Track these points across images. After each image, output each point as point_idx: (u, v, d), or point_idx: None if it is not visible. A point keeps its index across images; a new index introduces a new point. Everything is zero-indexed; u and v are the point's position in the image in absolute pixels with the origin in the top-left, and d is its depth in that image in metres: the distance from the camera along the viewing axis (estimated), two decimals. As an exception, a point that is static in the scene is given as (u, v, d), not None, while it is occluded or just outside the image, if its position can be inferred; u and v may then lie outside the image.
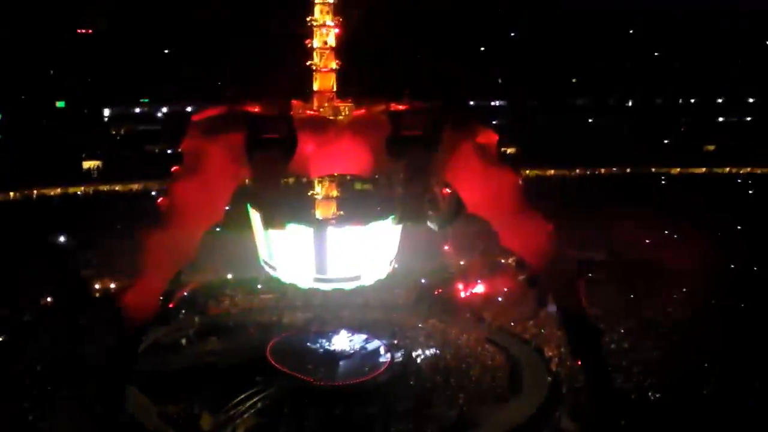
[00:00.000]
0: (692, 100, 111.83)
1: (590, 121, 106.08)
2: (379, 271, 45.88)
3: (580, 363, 42.11)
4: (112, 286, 50.07)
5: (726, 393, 39.18)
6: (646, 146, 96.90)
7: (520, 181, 43.99)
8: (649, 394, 39.75)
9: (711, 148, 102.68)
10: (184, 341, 48.56)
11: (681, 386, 40.21)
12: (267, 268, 45.61)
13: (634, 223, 64.64)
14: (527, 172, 79.02)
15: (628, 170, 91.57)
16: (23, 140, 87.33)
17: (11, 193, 75.77)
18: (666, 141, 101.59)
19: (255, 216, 43.89)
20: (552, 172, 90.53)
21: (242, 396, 40.62)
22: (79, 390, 38.47)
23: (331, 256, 42.57)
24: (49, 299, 50.27)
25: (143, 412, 39.55)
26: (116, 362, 39.79)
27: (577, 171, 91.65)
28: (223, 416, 38.46)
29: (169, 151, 77.55)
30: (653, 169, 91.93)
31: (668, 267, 56.14)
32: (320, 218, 44.25)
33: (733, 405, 37.77)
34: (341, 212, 44.68)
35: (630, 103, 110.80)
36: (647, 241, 62.99)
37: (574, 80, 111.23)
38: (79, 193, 79.37)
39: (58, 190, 78.32)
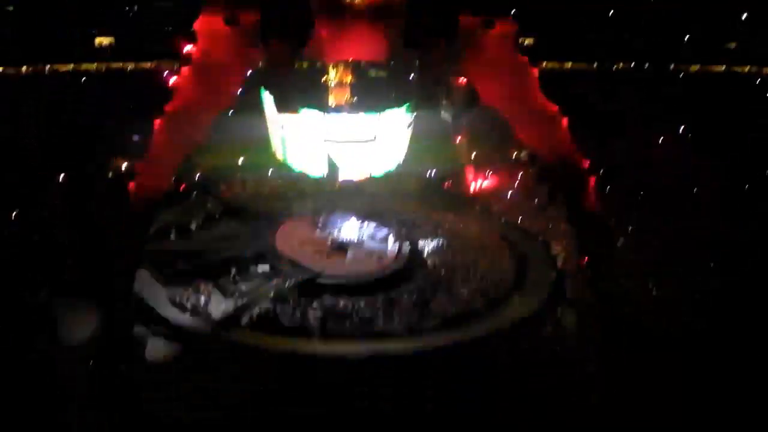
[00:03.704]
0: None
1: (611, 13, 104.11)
2: (390, 162, 46.04)
3: (586, 260, 42.73)
4: (124, 165, 50.38)
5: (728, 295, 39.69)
6: (666, 41, 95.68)
7: (537, 73, 43.61)
8: (653, 292, 40.32)
9: (732, 45, 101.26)
10: (194, 225, 49.24)
11: (686, 287, 40.67)
12: (279, 155, 45.82)
13: (649, 122, 64.49)
14: (544, 63, 78.06)
15: (647, 65, 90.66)
16: (35, 13, 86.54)
17: (23, 68, 75.56)
18: (686, 37, 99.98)
19: (268, 100, 43.75)
20: (570, 64, 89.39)
21: (250, 283, 41.56)
22: (89, 270, 39.26)
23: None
24: (60, 177, 50.91)
25: (153, 295, 40.58)
26: (127, 242, 40.55)
27: (595, 65, 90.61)
28: (231, 302, 39.32)
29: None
30: (672, 65, 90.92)
31: (681, 168, 56.21)
32: (333, 103, 44.23)
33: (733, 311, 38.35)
34: (355, 98, 44.63)
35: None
36: (661, 139, 62.84)
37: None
38: (91, 69, 79.04)
39: (70, 66, 77.88)
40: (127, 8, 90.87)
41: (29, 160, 51.15)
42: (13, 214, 45.11)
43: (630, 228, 46.94)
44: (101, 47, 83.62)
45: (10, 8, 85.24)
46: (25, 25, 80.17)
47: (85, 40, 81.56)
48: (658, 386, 34.16)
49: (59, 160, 51.50)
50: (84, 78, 74.95)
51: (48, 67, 75.83)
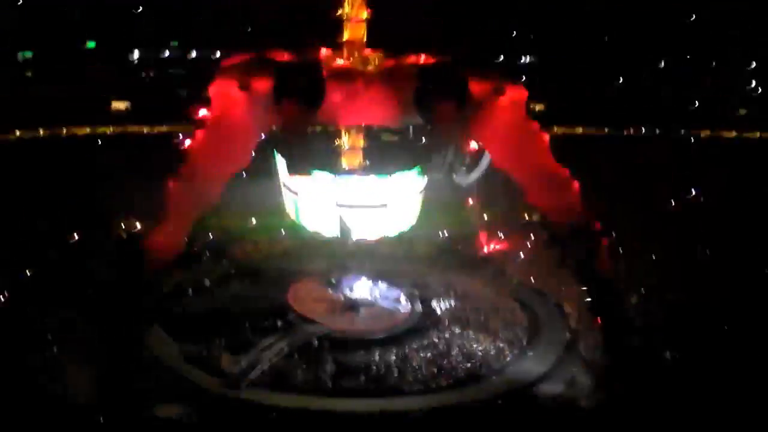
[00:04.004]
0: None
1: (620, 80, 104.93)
2: (403, 224, 46.18)
3: (599, 321, 42.46)
4: (138, 227, 50.64)
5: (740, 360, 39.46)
6: (676, 107, 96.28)
7: (548, 139, 43.94)
8: (666, 354, 40.01)
9: (743, 112, 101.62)
10: (207, 284, 49.20)
11: (699, 349, 40.43)
12: (292, 217, 46.04)
13: (659, 184, 64.66)
14: (555, 129, 78.63)
15: (657, 131, 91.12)
16: (53, 79, 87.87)
17: (40, 131, 76.61)
18: (696, 103, 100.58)
19: (280, 163, 44.15)
20: (580, 130, 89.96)
21: (262, 340, 41.37)
22: (101, 328, 39.33)
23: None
24: (75, 237, 51.16)
25: (166, 352, 40.58)
26: (137, 301, 40.56)
27: (606, 130, 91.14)
28: (244, 360, 39.20)
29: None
30: (682, 131, 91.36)
31: (694, 229, 56.23)
32: (346, 167, 44.59)
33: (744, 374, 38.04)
34: (367, 162, 44.99)
35: (662, 64, 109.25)
36: (673, 202, 62.82)
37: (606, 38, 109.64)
38: (107, 133, 80.00)
39: (87, 130, 78.92)
40: (143, 74, 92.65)
41: (44, 222, 51.75)
42: (27, 273, 45.62)
43: (641, 289, 47.02)
44: (117, 112, 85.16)
45: (29, 73, 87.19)
46: (43, 89, 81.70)
47: (101, 104, 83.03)
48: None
49: (74, 221, 52.22)
50: (100, 141, 76.31)
51: (65, 130, 77.17)
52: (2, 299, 42.11)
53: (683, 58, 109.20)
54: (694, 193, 64.70)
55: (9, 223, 50.65)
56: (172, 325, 42.21)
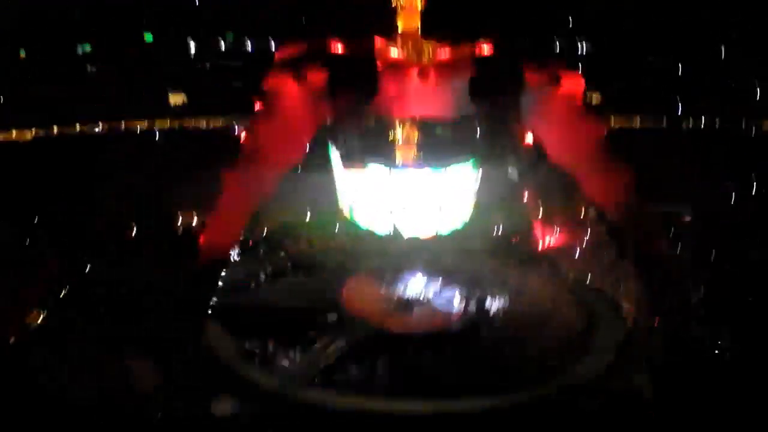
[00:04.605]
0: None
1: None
2: (456, 221, 45.84)
3: (658, 319, 41.70)
4: (194, 221, 51.10)
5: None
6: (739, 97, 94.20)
7: (605, 131, 43.26)
8: (729, 351, 39.23)
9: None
10: (262, 280, 49.45)
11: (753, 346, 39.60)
12: (345, 212, 46.03)
13: (719, 180, 63.35)
14: (612, 120, 77.50)
15: (717, 124, 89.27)
16: (111, 72, 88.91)
17: (99, 125, 77.58)
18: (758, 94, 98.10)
19: (335, 156, 44.17)
20: (638, 122, 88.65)
21: (319, 339, 41.19)
22: (156, 322, 39.78)
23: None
24: (134, 232, 51.86)
25: (221, 347, 40.82)
26: (195, 295, 40.89)
27: (665, 122, 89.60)
28: (301, 359, 39.29)
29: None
30: (743, 124, 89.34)
31: (756, 224, 54.91)
32: (400, 160, 44.41)
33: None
34: (421, 155, 44.76)
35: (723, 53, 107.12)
36: (732, 200, 61.49)
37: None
38: (164, 126, 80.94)
39: (145, 124, 79.84)
40: (199, 66, 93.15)
41: (104, 214, 52.45)
42: (86, 269, 46.28)
43: (701, 286, 46.04)
44: (175, 105, 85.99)
45: (91, 69, 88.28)
46: (102, 84, 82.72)
47: (158, 97, 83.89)
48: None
49: (131, 214, 52.82)
50: (157, 134, 77.08)
51: (123, 124, 78.03)
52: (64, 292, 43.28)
53: (744, 47, 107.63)
54: (755, 187, 63.69)
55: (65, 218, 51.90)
56: (228, 321, 42.60)
